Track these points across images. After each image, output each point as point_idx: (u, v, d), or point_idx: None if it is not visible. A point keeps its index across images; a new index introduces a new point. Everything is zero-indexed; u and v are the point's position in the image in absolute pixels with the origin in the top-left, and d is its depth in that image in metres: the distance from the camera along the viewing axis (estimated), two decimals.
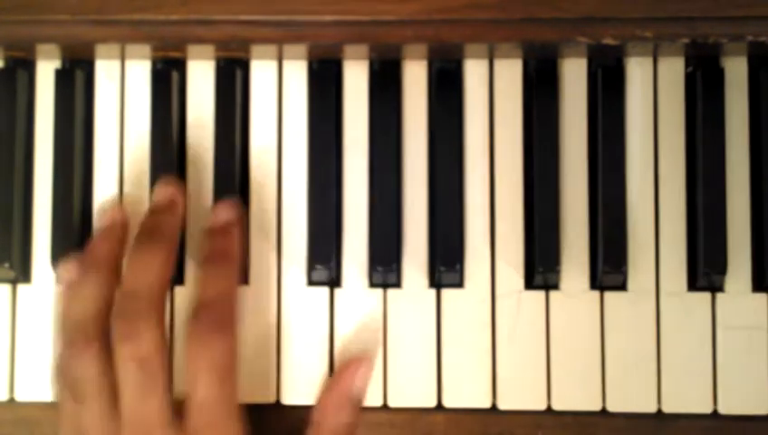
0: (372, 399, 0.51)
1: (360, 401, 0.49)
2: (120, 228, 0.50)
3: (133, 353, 0.44)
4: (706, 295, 0.51)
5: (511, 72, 0.52)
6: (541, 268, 0.50)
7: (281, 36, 0.50)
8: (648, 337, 0.51)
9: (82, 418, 0.45)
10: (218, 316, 0.46)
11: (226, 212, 0.50)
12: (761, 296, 0.51)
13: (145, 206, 0.51)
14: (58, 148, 0.52)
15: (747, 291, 0.51)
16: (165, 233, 0.48)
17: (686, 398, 0.51)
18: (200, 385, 0.44)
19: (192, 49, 0.52)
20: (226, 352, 0.45)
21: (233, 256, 0.49)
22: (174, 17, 0.49)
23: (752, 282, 0.51)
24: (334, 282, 0.52)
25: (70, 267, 0.49)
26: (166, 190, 0.50)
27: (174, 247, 0.48)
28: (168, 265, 0.47)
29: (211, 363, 0.44)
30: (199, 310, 0.46)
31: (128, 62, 0.53)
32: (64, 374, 0.46)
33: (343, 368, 0.50)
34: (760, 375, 0.51)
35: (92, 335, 0.46)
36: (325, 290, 0.52)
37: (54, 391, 0.48)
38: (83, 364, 0.45)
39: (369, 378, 0.50)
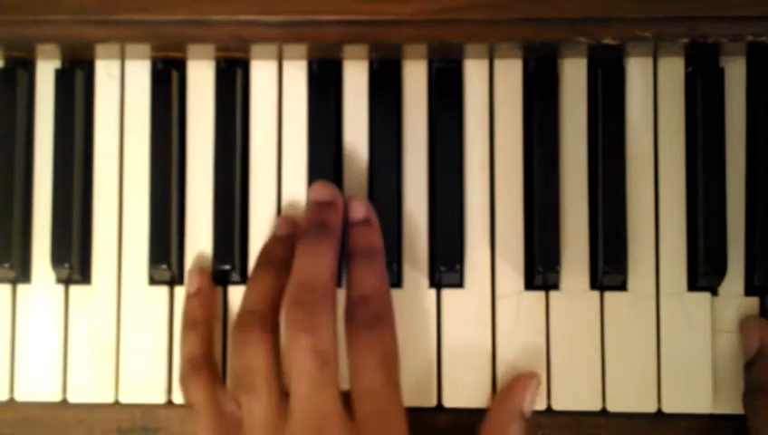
0: None
1: (528, 417, 0.49)
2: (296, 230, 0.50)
3: (312, 345, 0.44)
4: (706, 296, 0.51)
5: (511, 72, 0.52)
6: (541, 268, 0.50)
7: (281, 36, 0.50)
8: (647, 337, 0.51)
9: (246, 406, 0.45)
10: (379, 308, 0.47)
11: (362, 207, 0.50)
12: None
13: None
14: (58, 148, 0.52)
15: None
16: (331, 227, 0.48)
17: (686, 398, 0.51)
18: (368, 374, 0.45)
19: (192, 49, 0.52)
20: (391, 342, 0.46)
21: (379, 248, 0.49)
22: (174, 17, 0.49)
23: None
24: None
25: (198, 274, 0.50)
26: (326, 187, 0.50)
27: (339, 243, 0.48)
28: (336, 260, 0.47)
29: (379, 353, 0.45)
30: (359, 304, 0.46)
31: (128, 62, 0.53)
32: (233, 363, 0.46)
33: (513, 385, 0.50)
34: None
35: (265, 325, 0.46)
36: None
37: (184, 389, 0.48)
38: (258, 353, 0.45)
39: (536, 394, 0.50)
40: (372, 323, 0.46)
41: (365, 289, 0.47)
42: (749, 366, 0.50)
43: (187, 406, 0.48)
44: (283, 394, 0.45)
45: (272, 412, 0.44)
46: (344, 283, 0.50)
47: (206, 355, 0.49)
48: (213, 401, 0.47)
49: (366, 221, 0.49)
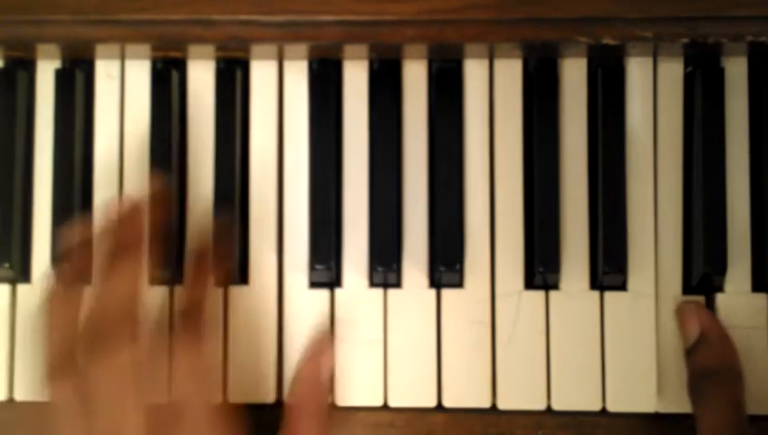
0: (372, 399, 0.51)
1: (327, 386, 0.49)
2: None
3: (104, 372, 0.43)
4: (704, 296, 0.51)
5: (511, 72, 0.52)
6: (541, 268, 0.50)
7: (281, 36, 0.50)
8: (647, 337, 0.51)
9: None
10: (192, 324, 0.46)
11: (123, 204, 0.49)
12: (760, 296, 0.51)
13: (145, 205, 0.51)
14: (58, 148, 0.52)
15: (747, 291, 0.51)
16: (130, 244, 0.47)
17: (686, 398, 0.50)
18: (179, 390, 0.44)
19: (192, 49, 0.52)
20: (201, 356, 0.45)
21: (207, 262, 0.49)
22: (174, 17, 0.49)
23: (751, 282, 0.51)
24: (335, 282, 0.52)
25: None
26: (123, 204, 0.49)
27: (140, 254, 0.47)
28: (138, 276, 0.46)
29: (188, 369, 0.45)
30: (178, 318, 0.46)
31: (128, 62, 0.53)
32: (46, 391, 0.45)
33: (309, 356, 0.49)
34: (759, 375, 0.51)
35: (67, 363, 0.44)
36: (326, 290, 0.52)
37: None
38: (60, 390, 0.44)
39: (333, 362, 0.50)
40: (184, 338, 0.45)
41: (181, 305, 0.48)
42: (690, 353, 0.50)
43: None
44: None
45: None
46: None
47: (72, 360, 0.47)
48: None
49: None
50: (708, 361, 0.49)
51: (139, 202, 0.49)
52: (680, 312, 0.51)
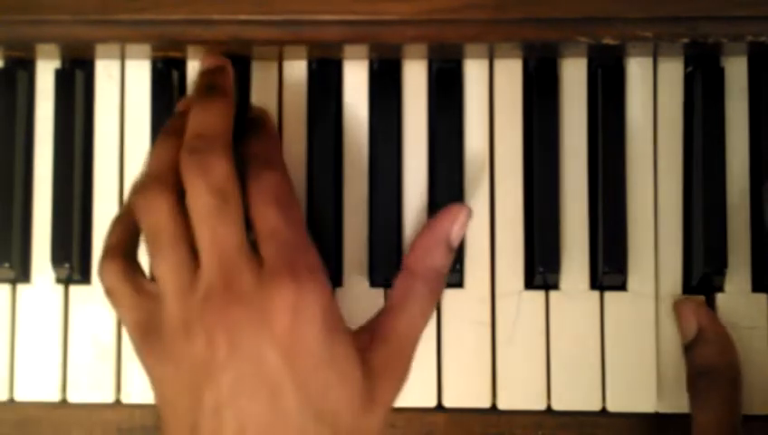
0: None
1: (454, 248, 0.49)
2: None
3: (208, 184, 0.44)
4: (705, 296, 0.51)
5: (511, 72, 0.52)
6: (541, 268, 0.50)
7: (281, 36, 0.50)
8: (647, 337, 0.51)
9: (160, 271, 0.44)
10: (269, 156, 0.48)
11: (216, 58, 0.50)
12: (760, 296, 0.51)
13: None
14: (58, 148, 0.52)
15: (747, 290, 0.51)
16: (222, 87, 0.48)
17: (686, 398, 0.50)
18: (266, 216, 0.45)
19: (192, 49, 0.52)
20: (283, 181, 0.47)
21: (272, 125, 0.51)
22: (174, 17, 0.49)
23: (751, 282, 0.51)
24: (335, 282, 0.52)
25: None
26: (215, 56, 0.50)
27: (231, 102, 0.48)
28: (229, 117, 0.47)
29: (273, 194, 0.45)
30: (251, 158, 0.47)
31: (128, 62, 0.53)
32: (142, 226, 0.46)
33: (443, 214, 0.49)
34: (760, 375, 0.51)
35: (166, 184, 0.45)
36: None
37: (100, 278, 0.48)
38: (160, 212, 0.45)
39: (466, 227, 0.49)
40: (262, 165, 0.46)
41: (257, 150, 0.48)
42: (688, 350, 0.50)
43: (107, 294, 0.47)
44: (193, 249, 0.44)
45: (182, 268, 0.44)
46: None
47: (125, 247, 0.48)
48: (128, 281, 0.46)
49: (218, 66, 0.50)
50: (705, 359, 0.49)
51: (227, 61, 0.50)
52: (678, 308, 0.51)
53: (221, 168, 0.44)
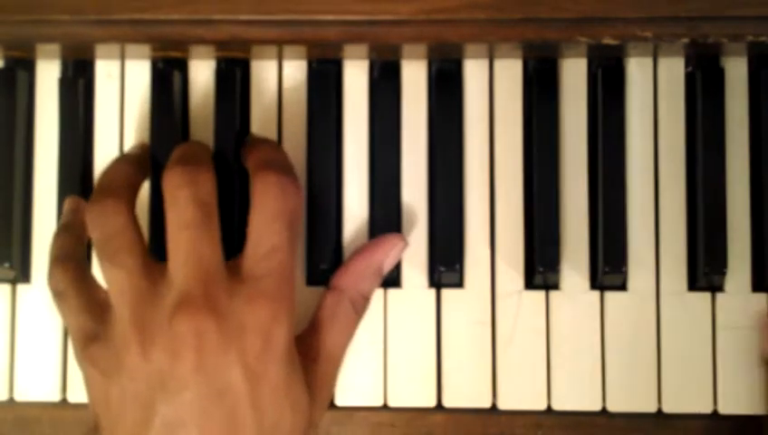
0: (372, 399, 0.51)
1: (382, 275, 0.50)
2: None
3: (193, 195, 0.43)
4: (706, 295, 0.51)
5: (511, 72, 0.52)
6: (541, 268, 0.50)
7: (281, 36, 0.50)
8: (648, 337, 0.51)
9: (116, 275, 0.44)
10: (279, 163, 0.48)
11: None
12: (760, 296, 0.51)
13: (145, 207, 0.51)
14: (58, 148, 0.52)
15: (747, 290, 0.51)
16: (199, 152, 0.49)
17: (686, 398, 0.51)
18: (265, 233, 0.44)
19: (192, 49, 0.52)
20: (293, 199, 0.46)
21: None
22: (174, 17, 0.49)
23: (751, 282, 0.51)
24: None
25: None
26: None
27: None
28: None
29: (278, 211, 0.45)
30: (259, 165, 0.47)
31: (128, 62, 0.53)
32: (95, 234, 0.45)
33: (380, 243, 0.50)
34: (760, 375, 0.51)
35: (122, 189, 0.46)
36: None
37: (49, 283, 0.48)
38: (116, 218, 0.44)
39: (399, 257, 0.50)
40: (272, 173, 0.46)
41: (267, 155, 0.48)
42: None
43: (55, 298, 0.47)
44: (151, 259, 0.44)
45: (140, 275, 0.43)
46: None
47: (74, 254, 0.48)
48: (79, 284, 0.46)
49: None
50: None
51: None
52: (762, 323, 0.51)
53: (209, 181, 0.44)
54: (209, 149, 0.49)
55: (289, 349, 0.43)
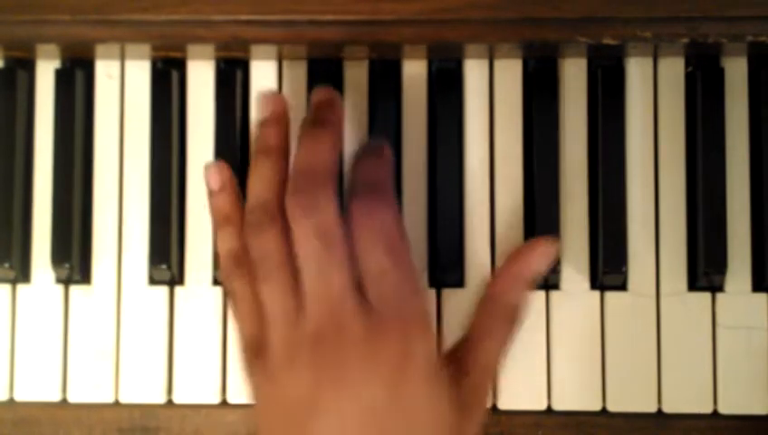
0: None
1: (534, 282, 0.49)
2: (283, 116, 0.49)
3: (314, 226, 0.43)
4: (706, 295, 0.51)
5: (511, 72, 0.52)
6: None
7: (281, 36, 0.50)
8: (648, 337, 0.51)
9: (265, 295, 0.45)
10: (379, 187, 0.46)
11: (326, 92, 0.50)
12: (760, 296, 0.51)
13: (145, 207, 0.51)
14: (58, 148, 0.52)
15: (747, 290, 0.51)
16: (331, 121, 0.48)
17: (686, 398, 0.51)
18: (374, 257, 0.44)
19: (192, 49, 0.52)
20: (393, 222, 0.45)
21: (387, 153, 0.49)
22: (174, 17, 0.49)
23: (752, 282, 0.51)
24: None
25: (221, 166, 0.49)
26: (326, 90, 0.50)
27: (340, 136, 0.48)
28: (336, 150, 0.47)
29: (383, 235, 0.45)
30: (360, 188, 0.46)
31: (128, 62, 0.53)
32: (249, 253, 0.46)
33: (534, 249, 0.49)
34: (760, 375, 0.51)
35: (275, 213, 0.45)
36: None
37: (227, 281, 0.48)
38: (267, 241, 0.45)
39: (551, 261, 0.49)
40: (372, 197, 0.45)
41: (365, 176, 0.47)
42: None
43: (230, 297, 0.48)
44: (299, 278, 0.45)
45: (287, 296, 0.44)
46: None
47: (245, 249, 0.47)
48: (254, 292, 0.46)
49: (328, 100, 0.49)
50: None
51: (336, 94, 0.49)
52: None
53: (327, 209, 0.44)
54: (332, 152, 0.46)
55: (429, 365, 0.43)
